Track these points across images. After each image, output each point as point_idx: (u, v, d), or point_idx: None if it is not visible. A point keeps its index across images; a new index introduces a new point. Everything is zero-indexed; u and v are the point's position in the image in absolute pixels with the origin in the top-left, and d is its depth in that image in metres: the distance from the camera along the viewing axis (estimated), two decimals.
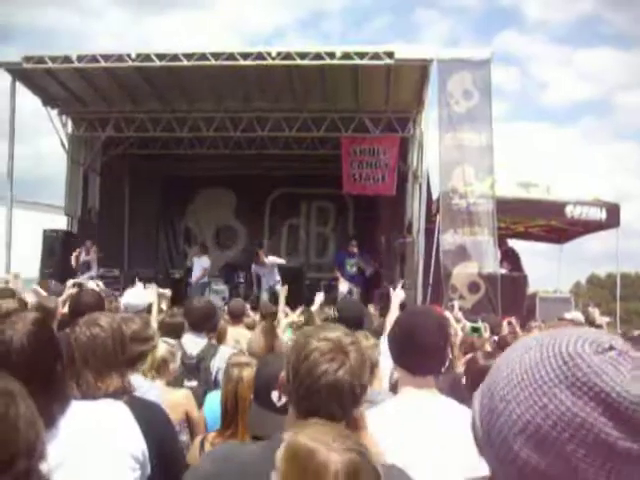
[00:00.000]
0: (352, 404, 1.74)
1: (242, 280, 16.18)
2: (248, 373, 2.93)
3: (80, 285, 6.19)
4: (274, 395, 2.10)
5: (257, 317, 7.30)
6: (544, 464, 0.85)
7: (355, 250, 14.69)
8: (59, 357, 2.09)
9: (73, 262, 13.90)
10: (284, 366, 1.81)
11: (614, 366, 0.84)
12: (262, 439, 1.94)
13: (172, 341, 4.35)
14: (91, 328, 2.61)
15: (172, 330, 4.88)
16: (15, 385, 1.27)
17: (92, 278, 13.13)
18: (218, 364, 4.55)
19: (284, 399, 2.03)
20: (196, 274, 15.08)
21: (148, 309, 5.47)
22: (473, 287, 10.77)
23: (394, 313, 4.47)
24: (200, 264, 15.19)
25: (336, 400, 1.70)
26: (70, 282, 6.25)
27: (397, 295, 4.73)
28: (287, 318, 6.34)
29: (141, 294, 5.80)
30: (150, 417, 2.51)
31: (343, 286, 14.18)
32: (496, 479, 0.93)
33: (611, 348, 0.86)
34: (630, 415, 0.81)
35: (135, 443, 2.27)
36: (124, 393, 2.57)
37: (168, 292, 6.65)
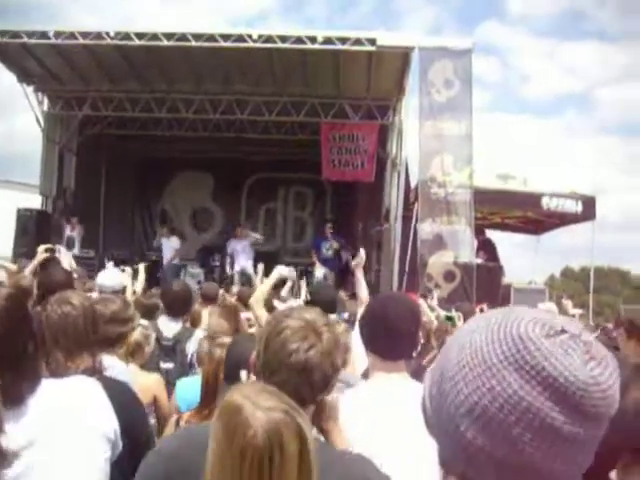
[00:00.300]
0: (322, 386, 1.73)
1: (217, 263, 16.14)
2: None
3: (53, 250, 6.07)
4: (242, 374, 2.09)
5: (232, 299, 7.26)
6: (490, 446, 0.84)
7: (330, 233, 14.69)
8: (32, 335, 2.05)
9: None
10: (255, 345, 1.80)
11: (564, 350, 0.83)
12: None
13: (145, 322, 4.31)
14: (62, 306, 2.58)
15: (147, 311, 4.86)
16: None
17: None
18: (193, 347, 4.54)
19: (252, 378, 2.01)
20: (167, 255, 14.97)
21: (122, 291, 5.43)
22: (449, 276, 10.82)
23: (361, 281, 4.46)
24: (170, 245, 15.09)
25: (305, 379, 1.69)
26: (42, 247, 6.08)
27: (358, 262, 4.63)
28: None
29: (115, 275, 5.76)
30: (120, 397, 2.48)
31: (319, 271, 14.21)
32: (444, 459, 0.92)
33: (563, 331, 0.85)
34: (577, 400, 0.81)
35: (107, 421, 2.24)
36: (94, 373, 2.54)
37: (142, 267, 6.58)
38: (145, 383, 3.68)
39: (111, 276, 5.71)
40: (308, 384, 1.70)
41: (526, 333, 0.85)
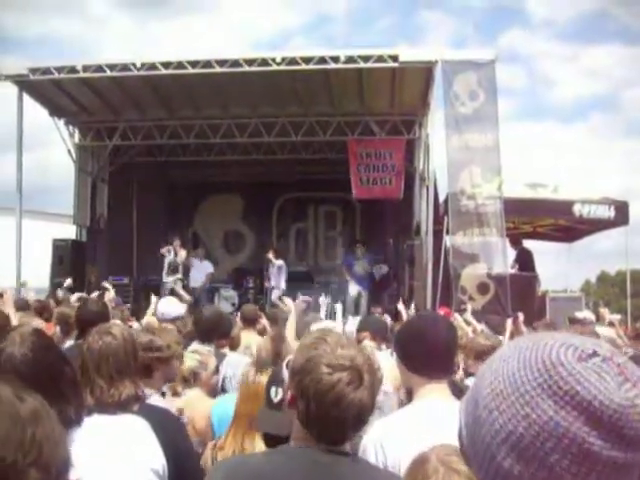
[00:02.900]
0: (359, 424, 1.71)
1: (251, 285, 16.19)
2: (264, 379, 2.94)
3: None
4: (272, 391, 2.12)
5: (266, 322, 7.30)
6: (527, 474, 0.83)
7: (360, 252, 14.66)
8: (66, 364, 2.12)
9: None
10: (289, 376, 1.78)
11: (597, 373, 0.82)
12: (266, 436, 1.96)
13: (206, 348, 4.37)
14: (103, 337, 2.66)
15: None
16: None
17: (181, 281, 13.19)
18: (225, 371, 4.57)
19: (280, 396, 2.04)
20: (200, 278, 14.92)
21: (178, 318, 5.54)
22: (482, 288, 10.74)
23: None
24: (204, 268, 15.07)
25: (346, 427, 1.67)
26: (75, 296, 6.32)
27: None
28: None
29: (174, 304, 5.91)
30: (164, 424, 2.54)
31: (352, 288, 14.19)
32: None
33: (595, 354, 0.85)
34: (613, 423, 0.80)
35: (155, 457, 2.30)
36: (137, 400, 2.60)
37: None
38: (203, 410, 3.72)
39: (170, 304, 5.86)
40: (350, 429, 1.68)
41: (557, 358, 0.84)
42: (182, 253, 14.05)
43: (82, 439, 1.97)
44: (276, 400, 2.09)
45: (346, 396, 1.61)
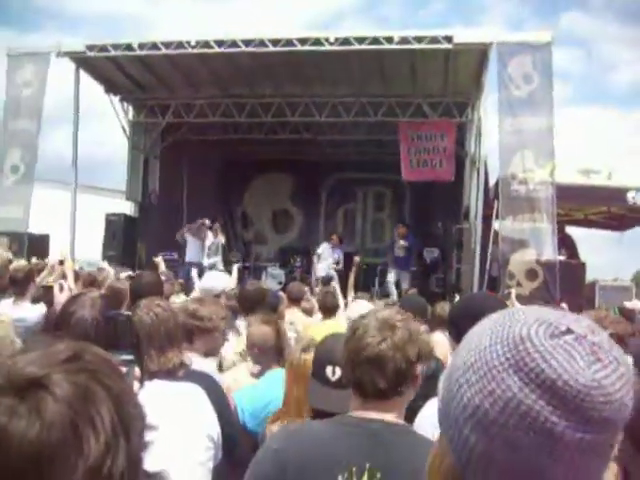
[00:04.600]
0: (395, 378, 1.78)
1: (298, 264, 16.30)
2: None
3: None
4: (328, 370, 2.16)
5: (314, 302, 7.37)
6: (491, 449, 0.82)
7: (402, 233, 14.65)
8: (132, 329, 2.21)
9: (178, 237, 14.38)
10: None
11: (567, 351, 0.81)
12: (319, 412, 2.01)
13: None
14: (153, 309, 2.77)
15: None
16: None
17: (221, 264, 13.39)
18: None
19: (338, 374, 2.09)
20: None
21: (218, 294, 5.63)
22: (531, 274, 10.60)
23: None
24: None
25: (378, 372, 1.76)
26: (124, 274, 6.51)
27: None
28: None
29: (219, 278, 6.01)
30: (207, 388, 2.65)
31: (391, 272, 14.23)
32: (452, 461, 0.89)
33: (568, 332, 0.82)
34: (578, 404, 0.78)
35: (211, 424, 2.38)
36: (182, 367, 2.72)
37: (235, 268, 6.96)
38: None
39: (215, 278, 5.96)
40: (382, 375, 1.77)
41: (528, 334, 0.82)
42: (221, 237, 14.23)
43: (144, 402, 2.06)
44: (334, 379, 2.13)
45: (363, 339, 1.79)
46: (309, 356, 2.86)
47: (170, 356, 2.66)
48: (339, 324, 5.10)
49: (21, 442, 0.77)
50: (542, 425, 0.79)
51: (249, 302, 5.16)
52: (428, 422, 2.24)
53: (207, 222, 14.18)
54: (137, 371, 2.20)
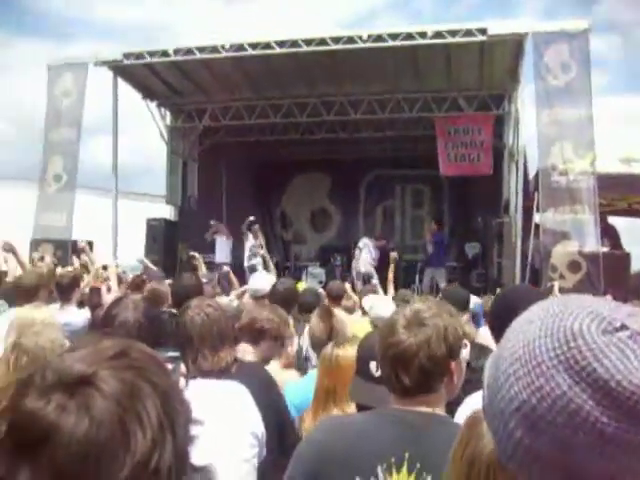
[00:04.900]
0: (423, 375, 1.78)
1: (338, 262, 16.31)
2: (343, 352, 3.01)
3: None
4: (372, 365, 2.18)
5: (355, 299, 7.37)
6: (538, 445, 0.79)
7: (431, 229, 14.81)
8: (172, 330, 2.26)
9: (208, 237, 14.56)
10: None
11: (620, 349, 0.76)
12: (362, 408, 2.03)
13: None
14: (205, 309, 2.81)
15: None
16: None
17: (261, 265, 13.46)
18: (307, 342, 4.66)
19: (380, 371, 2.10)
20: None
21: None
22: (574, 266, 10.45)
23: None
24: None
25: (403, 369, 1.78)
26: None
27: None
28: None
29: (266, 279, 6.07)
30: (259, 379, 2.69)
31: (427, 272, 14.27)
32: (495, 452, 0.87)
33: (623, 328, 0.78)
34: (630, 406, 0.74)
35: (255, 422, 2.42)
36: (234, 364, 2.77)
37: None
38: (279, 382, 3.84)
39: (263, 279, 6.03)
40: (407, 373, 1.78)
41: (580, 329, 0.79)
42: (261, 238, 14.23)
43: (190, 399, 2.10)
44: (377, 374, 2.15)
45: (390, 337, 1.81)
46: (341, 351, 2.91)
47: (223, 355, 2.71)
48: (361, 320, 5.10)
49: (71, 438, 0.78)
50: (592, 425, 0.75)
51: (279, 300, 5.18)
52: (464, 414, 2.25)
53: (251, 219, 14.17)
54: (183, 368, 2.25)
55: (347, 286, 7.60)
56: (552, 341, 0.80)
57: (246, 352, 3.44)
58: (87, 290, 6.08)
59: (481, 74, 13.15)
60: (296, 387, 3.56)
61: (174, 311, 2.66)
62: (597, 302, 0.84)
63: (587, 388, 0.76)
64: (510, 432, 0.82)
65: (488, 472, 0.89)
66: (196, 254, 8.90)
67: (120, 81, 13.65)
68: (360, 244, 14.57)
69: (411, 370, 1.77)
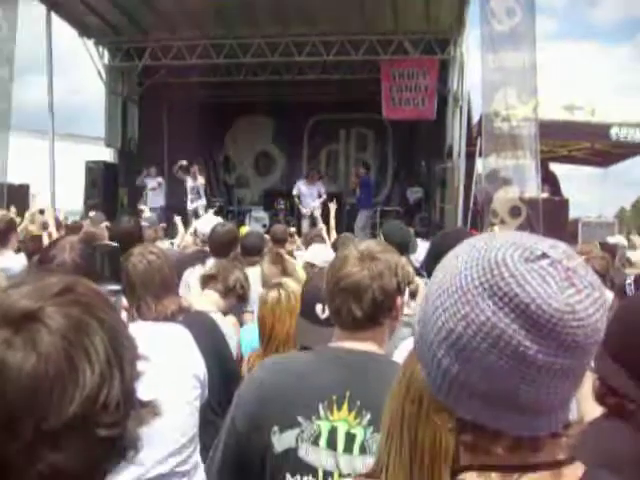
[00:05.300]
0: (372, 308, 1.80)
1: (282, 206, 16.22)
2: (273, 295, 3.01)
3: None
4: (318, 308, 2.17)
5: (299, 243, 7.37)
6: (465, 374, 0.83)
7: (361, 172, 14.90)
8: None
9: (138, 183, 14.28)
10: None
11: (541, 276, 0.80)
12: (307, 349, 2.03)
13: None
14: (147, 256, 2.74)
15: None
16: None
17: (204, 207, 13.30)
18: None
19: (327, 313, 2.10)
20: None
21: None
22: (514, 211, 10.65)
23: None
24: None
25: (355, 301, 1.79)
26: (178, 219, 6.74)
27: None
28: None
29: (212, 222, 6.00)
30: (204, 325, 2.66)
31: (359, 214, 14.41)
32: (427, 384, 0.90)
33: (543, 256, 0.82)
34: (550, 328, 0.78)
35: (197, 364, 2.40)
36: (182, 312, 2.72)
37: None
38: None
39: (210, 223, 5.95)
40: (359, 306, 1.79)
41: (503, 258, 0.82)
42: (201, 179, 14.08)
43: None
44: (323, 317, 2.14)
45: (342, 269, 1.82)
46: (273, 293, 2.97)
47: (166, 303, 2.65)
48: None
49: (19, 374, 0.78)
50: (515, 349, 0.79)
51: (219, 243, 5.13)
52: (407, 353, 2.27)
53: (184, 163, 14.00)
54: (124, 301, 2.19)
55: (291, 230, 7.59)
56: (477, 271, 0.83)
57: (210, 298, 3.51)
58: (25, 237, 5.91)
59: (427, 17, 13.06)
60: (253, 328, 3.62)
61: (114, 244, 2.58)
62: (521, 235, 0.87)
63: (510, 313, 0.79)
64: (438, 362, 0.85)
65: (421, 399, 0.91)
66: (143, 207, 8.72)
67: (55, 17, 13.08)
68: (294, 191, 14.50)
69: (364, 301, 1.78)
